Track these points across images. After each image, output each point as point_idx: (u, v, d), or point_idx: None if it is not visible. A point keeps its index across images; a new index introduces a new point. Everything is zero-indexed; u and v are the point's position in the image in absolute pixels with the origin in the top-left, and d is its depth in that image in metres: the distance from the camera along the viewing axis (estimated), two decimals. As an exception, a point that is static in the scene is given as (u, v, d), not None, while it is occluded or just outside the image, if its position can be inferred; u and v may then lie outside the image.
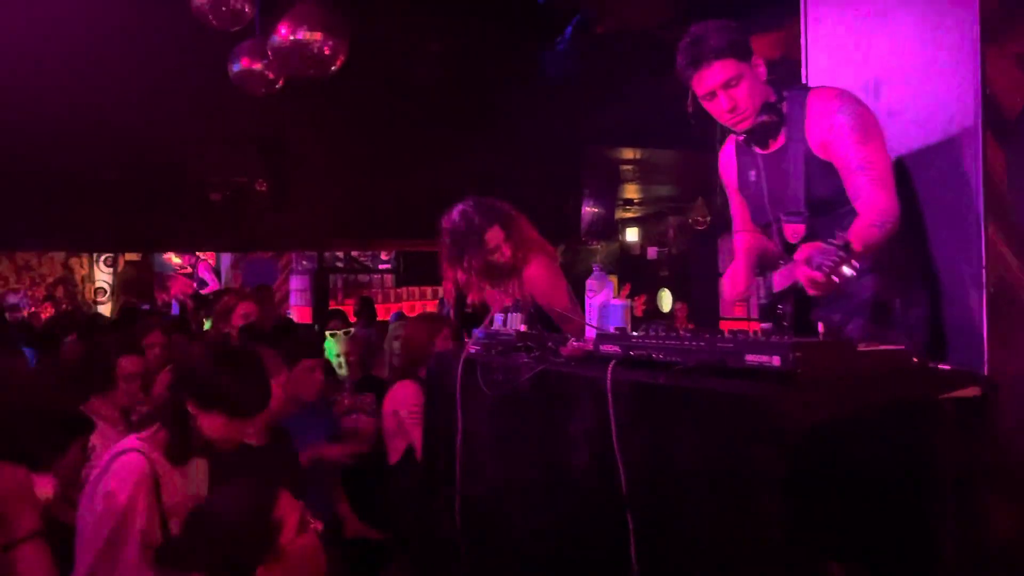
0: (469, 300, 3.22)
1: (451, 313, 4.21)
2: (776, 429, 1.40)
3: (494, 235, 3.06)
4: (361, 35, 4.88)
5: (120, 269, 11.77)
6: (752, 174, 2.42)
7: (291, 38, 4.51)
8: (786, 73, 3.01)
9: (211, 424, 2.17)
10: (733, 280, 2.40)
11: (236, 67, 5.13)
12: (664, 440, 1.63)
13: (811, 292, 1.85)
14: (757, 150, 2.39)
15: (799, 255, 1.89)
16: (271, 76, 5.13)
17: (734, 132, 2.38)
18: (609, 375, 1.75)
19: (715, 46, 2.21)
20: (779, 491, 1.43)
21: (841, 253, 1.68)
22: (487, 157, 6.86)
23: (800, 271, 1.83)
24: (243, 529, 1.79)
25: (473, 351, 2.44)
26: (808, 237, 2.26)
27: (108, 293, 11.69)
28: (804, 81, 2.80)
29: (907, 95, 2.46)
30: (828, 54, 2.73)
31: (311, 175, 7.85)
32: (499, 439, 2.30)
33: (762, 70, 2.28)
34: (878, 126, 2.22)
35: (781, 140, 2.33)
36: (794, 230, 2.31)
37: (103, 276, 11.79)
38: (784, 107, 2.31)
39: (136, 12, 6.34)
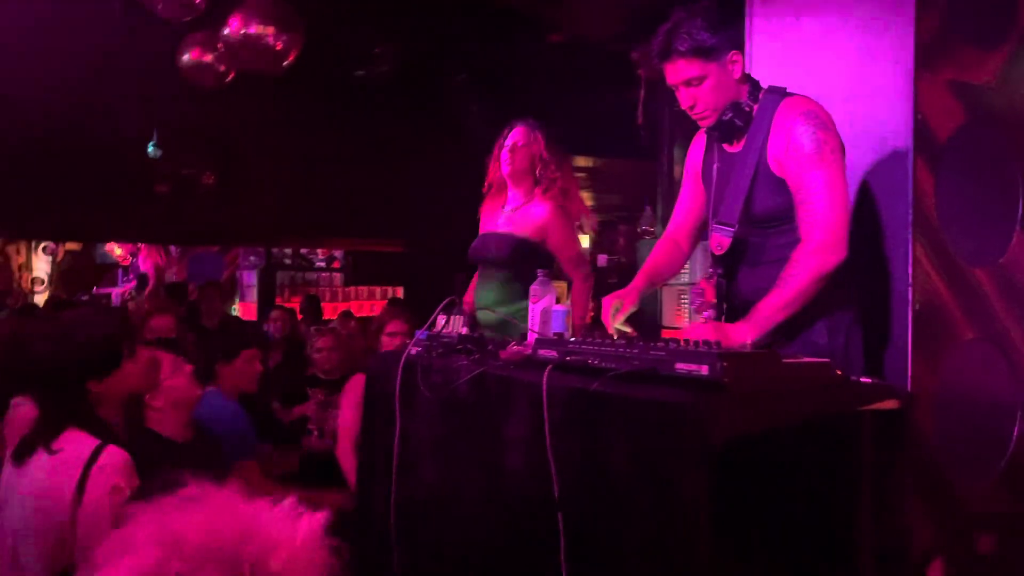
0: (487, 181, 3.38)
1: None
2: (701, 436, 1.43)
3: (517, 135, 3.23)
4: (313, 30, 4.84)
5: (60, 259, 11.43)
6: (715, 168, 2.40)
7: (243, 31, 4.46)
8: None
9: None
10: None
11: (186, 58, 5.05)
12: (596, 444, 1.65)
13: None
14: (724, 146, 2.38)
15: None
16: (222, 69, 5.06)
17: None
18: (545, 380, 1.77)
19: (680, 45, 2.20)
20: (705, 498, 1.46)
21: (700, 300, 1.99)
22: (438, 158, 6.85)
23: None
24: None
25: (414, 352, 2.43)
26: (732, 250, 2.27)
27: (45, 283, 11.35)
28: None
29: (846, 114, 2.53)
30: (771, 71, 2.80)
31: (260, 170, 7.76)
32: (438, 441, 2.30)
33: (735, 67, 2.24)
34: (837, 152, 2.16)
35: (744, 142, 2.29)
36: (719, 241, 2.30)
37: (42, 265, 11.44)
38: (756, 110, 2.27)
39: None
